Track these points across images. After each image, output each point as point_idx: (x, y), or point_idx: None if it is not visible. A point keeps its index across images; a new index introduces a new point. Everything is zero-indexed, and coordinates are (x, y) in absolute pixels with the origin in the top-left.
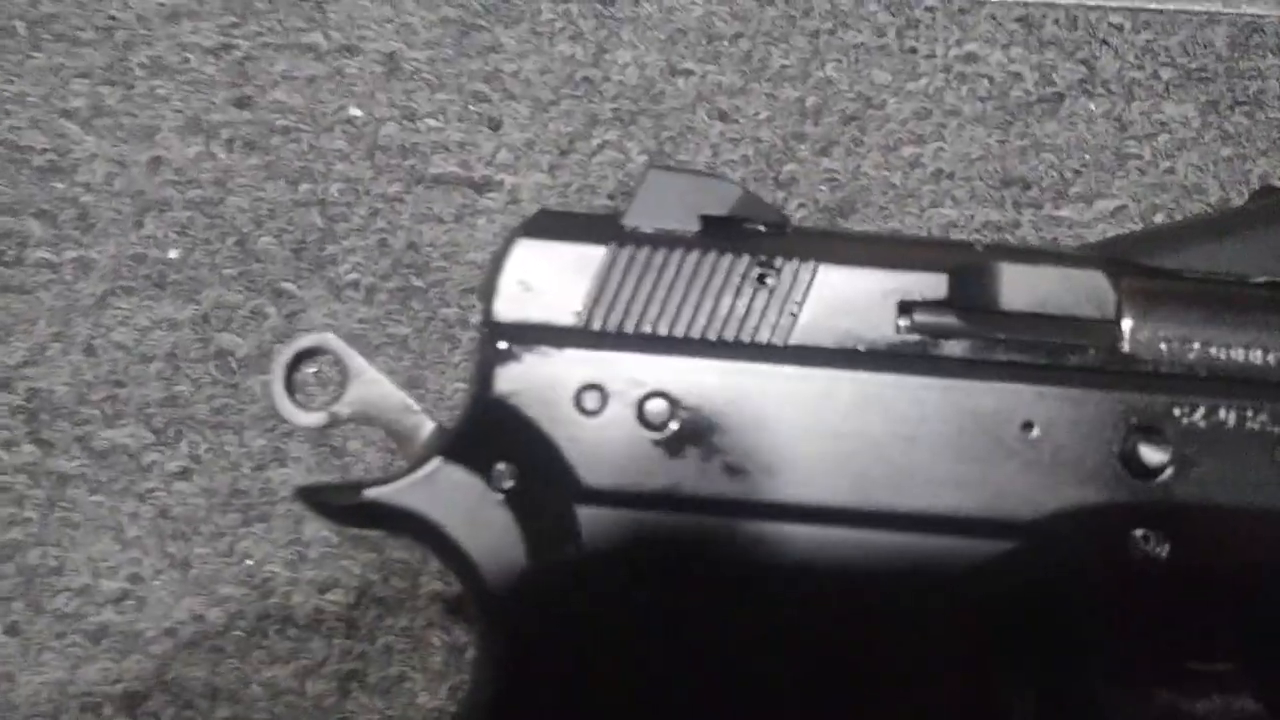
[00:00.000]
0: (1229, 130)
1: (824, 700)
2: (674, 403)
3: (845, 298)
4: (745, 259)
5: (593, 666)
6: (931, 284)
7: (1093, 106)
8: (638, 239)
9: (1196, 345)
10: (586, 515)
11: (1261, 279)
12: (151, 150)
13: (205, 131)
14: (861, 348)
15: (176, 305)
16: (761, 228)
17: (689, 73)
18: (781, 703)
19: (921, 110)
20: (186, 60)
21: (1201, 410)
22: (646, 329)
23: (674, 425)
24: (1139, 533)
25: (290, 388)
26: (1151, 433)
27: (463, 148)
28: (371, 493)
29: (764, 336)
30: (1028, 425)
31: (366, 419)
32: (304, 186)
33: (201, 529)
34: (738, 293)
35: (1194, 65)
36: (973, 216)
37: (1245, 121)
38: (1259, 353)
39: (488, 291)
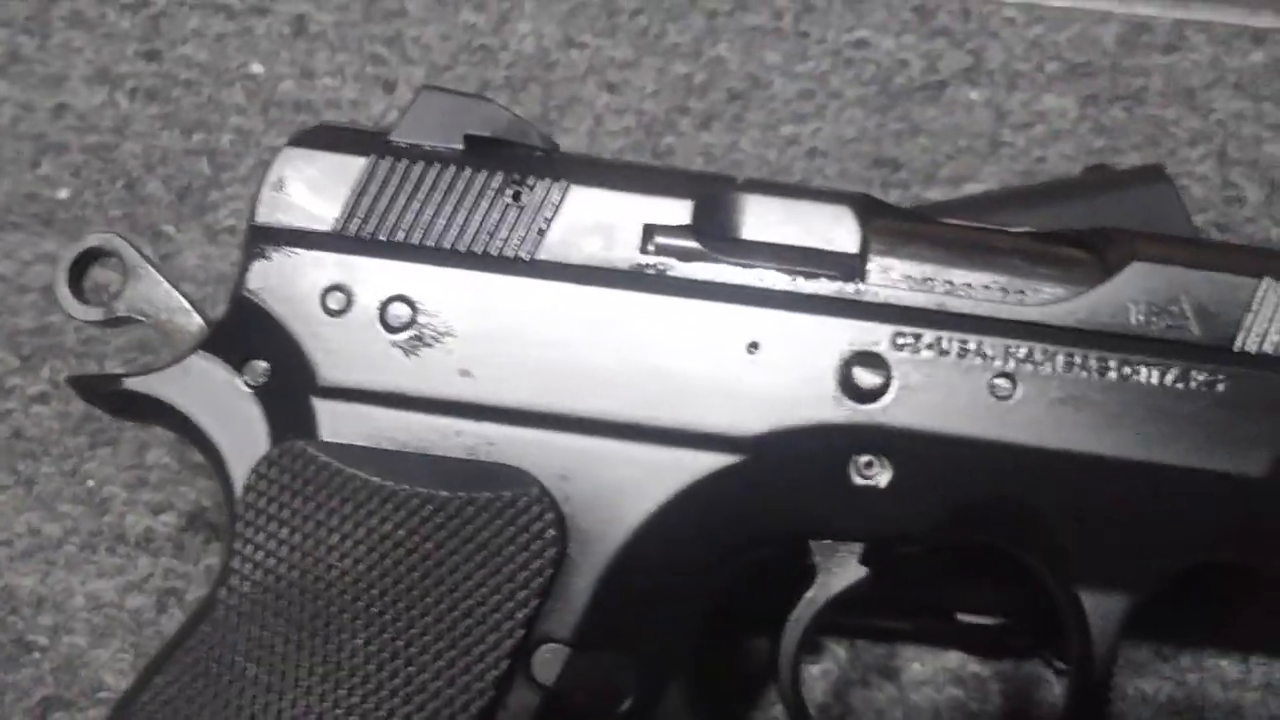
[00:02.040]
0: (1105, 124)
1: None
2: (415, 307)
3: (594, 218)
4: (500, 176)
5: (329, 557)
6: (677, 210)
7: (974, 95)
8: (399, 153)
9: (936, 282)
10: (325, 410)
11: (1023, 229)
12: (58, 97)
13: (111, 81)
14: (605, 266)
15: (60, 242)
16: (527, 149)
17: (584, 45)
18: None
19: (805, 91)
20: (104, 15)
21: (925, 341)
22: (398, 237)
23: (413, 329)
24: (861, 457)
25: (79, 284)
26: (870, 359)
27: (355, 106)
28: (129, 382)
29: (512, 250)
30: (754, 345)
31: (143, 315)
32: (197, 136)
33: (51, 450)
34: (490, 207)
35: (1080, 60)
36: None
37: (1122, 116)
38: (997, 293)
39: (253, 196)
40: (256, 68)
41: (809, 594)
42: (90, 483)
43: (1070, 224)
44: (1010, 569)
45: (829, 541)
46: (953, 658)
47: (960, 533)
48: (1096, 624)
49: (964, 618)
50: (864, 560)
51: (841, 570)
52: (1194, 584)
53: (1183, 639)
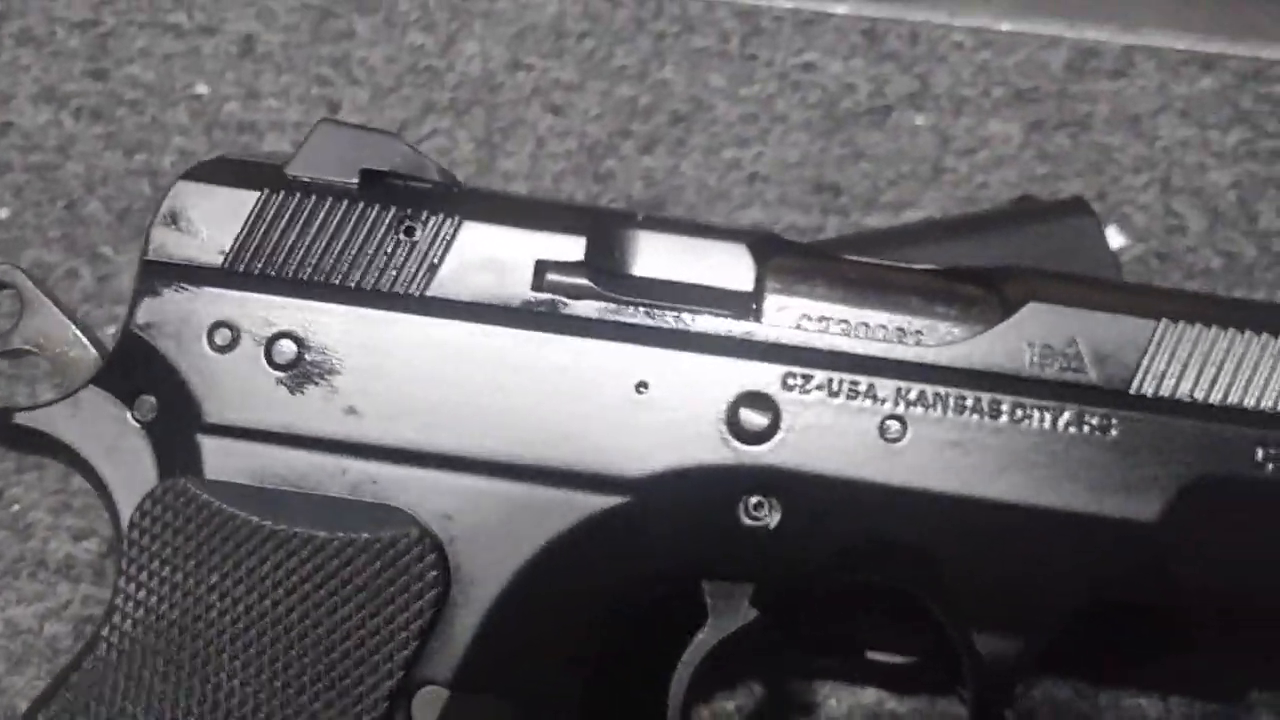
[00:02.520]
0: (1049, 150)
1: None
2: (302, 344)
3: (486, 254)
4: (393, 211)
5: (209, 597)
6: (570, 246)
7: (919, 120)
8: (293, 187)
9: (832, 321)
10: (210, 447)
11: (927, 266)
12: (4, 115)
13: (58, 100)
14: (496, 303)
15: None
16: (425, 185)
17: (530, 67)
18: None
19: (749, 115)
20: (54, 33)
21: (815, 382)
22: (288, 273)
23: (299, 366)
24: (751, 498)
25: None
26: (759, 400)
27: (298, 128)
28: (19, 417)
29: (403, 287)
30: (643, 385)
31: (38, 348)
32: (139, 157)
33: None
34: (382, 243)
35: (1026, 85)
36: (779, 219)
37: (1067, 143)
38: (894, 333)
39: (146, 231)
40: (202, 88)
41: (700, 636)
42: (15, 507)
43: (993, 257)
44: (918, 608)
45: (721, 583)
46: (870, 695)
47: (852, 574)
48: (990, 666)
49: (875, 656)
50: (756, 601)
51: (733, 612)
52: (1115, 622)
53: (1103, 678)
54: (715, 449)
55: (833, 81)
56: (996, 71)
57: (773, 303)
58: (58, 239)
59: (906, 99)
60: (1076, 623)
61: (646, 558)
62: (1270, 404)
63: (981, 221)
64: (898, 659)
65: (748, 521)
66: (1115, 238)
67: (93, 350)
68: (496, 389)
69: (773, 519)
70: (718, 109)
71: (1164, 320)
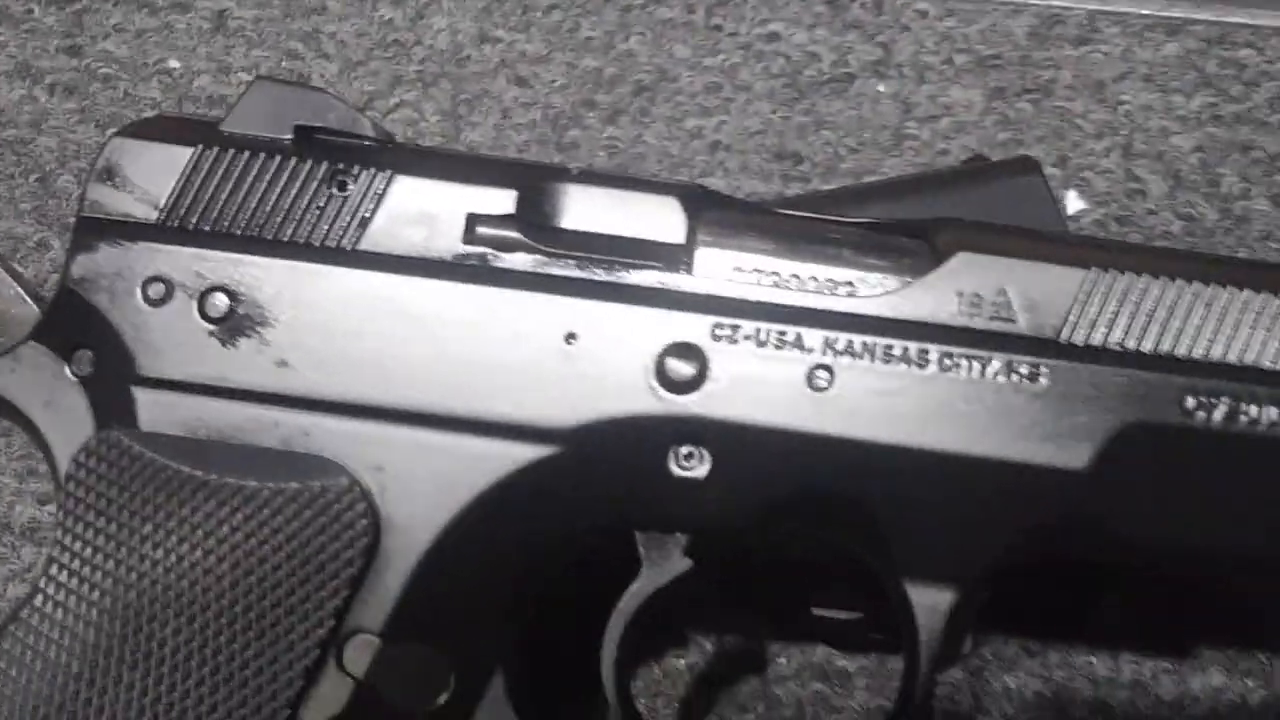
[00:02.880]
0: (1010, 116)
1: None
2: (235, 297)
3: (417, 208)
4: (324, 166)
5: (143, 548)
6: (501, 199)
7: (881, 88)
8: (227, 143)
9: (764, 274)
10: (144, 400)
11: (862, 220)
12: None
13: (32, 76)
14: (427, 256)
15: None
16: (358, 140)
17: (497, 40)
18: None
19: (713, 85)
20: (30, 10)
21: (744, 332)
22: (221, 227)
23: (232, 319)
24: (681, 449)
25: None
26: (687, 350)
27: None
28: None
29: (335, 240)
30: (571, 336)
31: None
32: (112, 132)
33: None
34: (314, 197)
35: (989, 52)
36: (739, 187)
37: (1029, 109)
38: (825, 285)
39: (83, 187)
40: (174, 63)
41: (633, 587)
42: None
43: (940, 215)
44: (859, 563)
45: (654, 534)
46: (819, 652)
47: (784, 525)
48: (923, 617)
49: (820, 611)
50: (690, 552)
51: (666, 562)
52: (1064, 580)
53: (1052, 635)
54: (644, 399)
55: (796, 51)
56: (960, 39)
57: (704, 255)
58: (29, 211)
59: (869, 67)
60: (1010, 574)
61: (578, 508)
62: (1201, 352)
63: (929, 181)
64: (842, 614)
65: (678, 472)
66: (1074, 202)
67: (34, 306)
68: (427, 341)
69: (702, 469)
70: (682, 79)
71: (1094, 269)
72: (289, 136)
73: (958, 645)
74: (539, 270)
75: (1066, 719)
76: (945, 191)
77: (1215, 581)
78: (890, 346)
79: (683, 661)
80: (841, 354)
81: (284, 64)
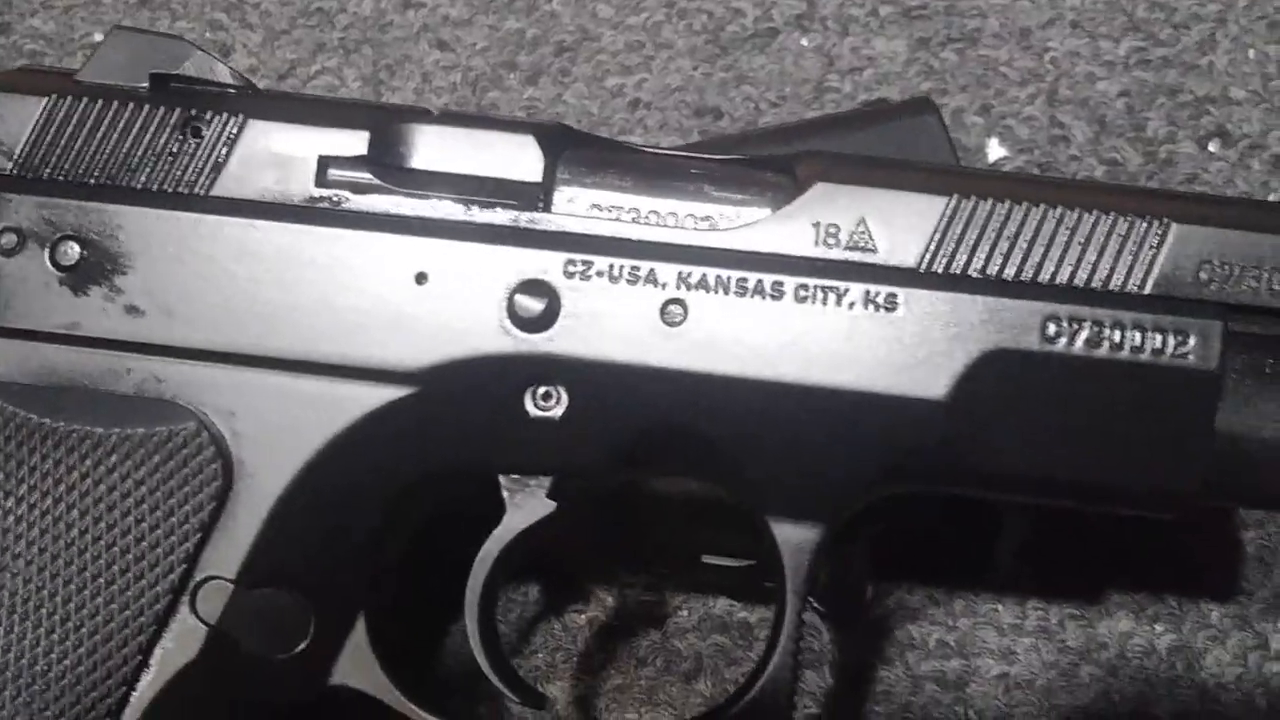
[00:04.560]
0: (934, 66)
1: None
2: (86, 246)
3: (269, 152)
4: (178, 112)
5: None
6: (353, 142)
7: (805, 42)
8: (81, 92)
9: (623, 210)
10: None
11: (726, 156)
12: None
13: None
14: (279, 200)
15: None
16: (214, 87)
17: (421, 5)
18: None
19: (635, 43)
20: None
21: (596, 268)
22: (74, 175)
23: (83, 267)
24: (538, 389)
25: None
26: (538, 287)
27: None
28: None
29: (188, 187)
30: (422, 276)
31: None
32: None
33: None
34: (167, 144)
35: (915, 3)
36: (658, 144)
37: (954, 58)
38: (685, 219)
39: None
40: (99, 36)
41: (496, 531)
42: None
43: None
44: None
45: (517, 477)
46: (720, 605)
47: (647, 463)
48: (789, 554)
49: (710, 560)
50: (553, 494)
51: (529, 505)
52: (961, 527)
53: (957, 584)
54: (496, 338)
55: (719, 7)
56: None
57: (563, 194)
58: None
59: (793, 21)
60: (878, 513)
61: (436, 451)
62: (1064, 278)
63: (827, 123)
64: (732, 563)
65: (535, 412)
66: (995, 149)
67: None
68: (278, 285)
69: (559, 409)
70: (604, 39)
71: (955, 196)
72: (145, 85)
73: (859, 594)
74: (390, 211)
75: (969, 667)
76: (842, 132)
77: (1084, 511)
78: (744, 279)
79: (583, 616)
80: (695, 288)
81: (208, 35)
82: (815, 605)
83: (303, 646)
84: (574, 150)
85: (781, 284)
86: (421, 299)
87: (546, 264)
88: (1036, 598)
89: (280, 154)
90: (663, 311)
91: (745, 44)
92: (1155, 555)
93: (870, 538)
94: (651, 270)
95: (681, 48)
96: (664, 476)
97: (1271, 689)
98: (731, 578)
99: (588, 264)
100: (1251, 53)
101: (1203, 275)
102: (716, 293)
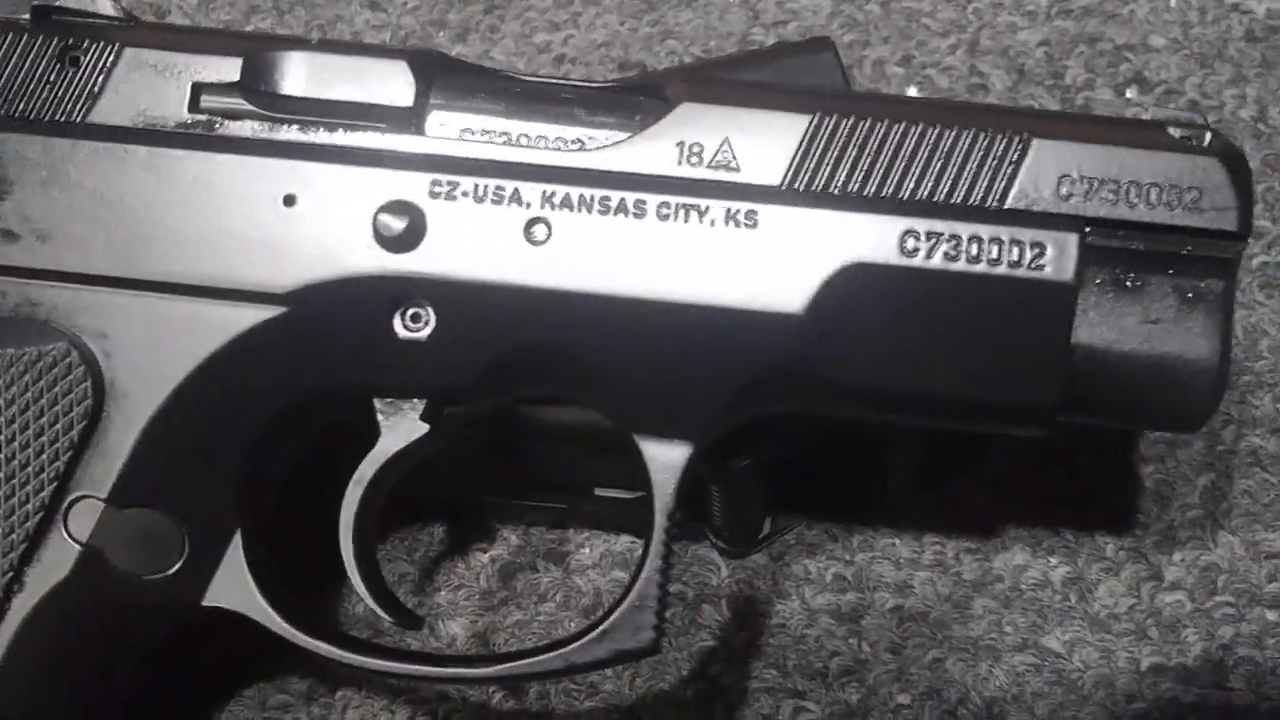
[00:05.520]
0: (858, 19)
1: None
2: None
3: (144, 79)
4: (56, 42)
5: None
6: (225, 68)
7: None
8: None
9: (493, 134)
10: None
11: (603, 83)
12: None
13: None
14: (153, 126)
15: None
16: (94, 18)
17: None
18: None
19: (563, 1)
20: None
21: (461, 189)
22: None
23: None
24: (407, 310)
25: None
26: (404, 208)
27: None
28: None
29: (64, 114)
30: (290, 199)
31: None
32: None
33: None
34: (45, 73)
35: None
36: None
37: (877, 10)
38: (553, 142)
39: None
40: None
41: (371, 452)
42: None
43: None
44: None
45: (391, 399)
46: (622, 542)
47: (517, 385)
48: (657, 472)
49: (603, 493)
50: (426, 416)
51: (402, 427)
52: (863, 464)
53: (855, 519)
54: (362, 258)
55: None
56: None
57: (435, 119)
58: None
59: None
60: (766, 443)
61: (308, 373)
62: (923, 194)
63: (729, 62)
64: (625, 495)
65: (404, 333)
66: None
67: None
68: (150, 209)
69: (427, 329)
70: None
71: (818, 115)
72: (26, 16)
73: (756, 530)
74: (261, 136)
75: (865, 600)
76: (741, 71)
77: (949, 428)
78: (607, 198)
79: (487, 555)
80: (559, 207)
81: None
82: (715, 541)
83: (176, 567)
84: (448, 77)
85: (644, 202)
86: (290, 220)
87: (413, 185)
88: (934, 533)
89: (154, 81)
90: (527, 230)
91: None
92: (1054, 491)
93: (767, 474)
94: (516, 190)
95: (609, 4)
96: (537, 400)
97: (1163, 619)
98: (627, 511)
99: (453, 184)
100: (1173, 1)
101: (1063, 190)
102: (580, 211)
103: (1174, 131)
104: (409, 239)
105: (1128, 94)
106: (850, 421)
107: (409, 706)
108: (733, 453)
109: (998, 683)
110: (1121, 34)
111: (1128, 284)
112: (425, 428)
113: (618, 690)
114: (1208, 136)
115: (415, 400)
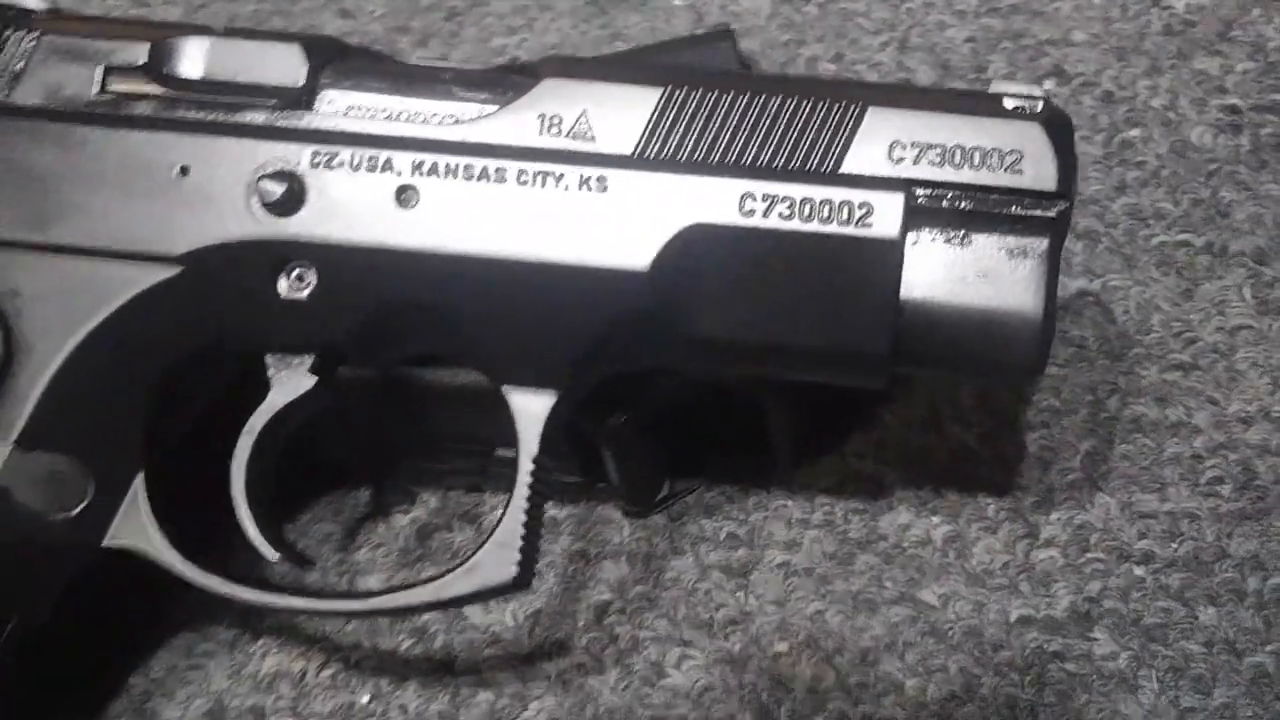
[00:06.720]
0: (794, 20)
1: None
2: None
3: (60, 64)
4: None
5: None
6: (134, 53)
7: (677, 1)
8: None
9: (376, 111)
10: None
11: (461, 65)
12: None
13: None
14: (67, 107)
15: None
16: (20, 8)
17: None
18: None
19: (521, 7)
20: None
21: (340, 158)
22: None
23: None
24: (291, 271)
25: None
26: (287, 176)
27: None
28: None
29: None
30: (185, 169)
31: None
32: None
33: None
34: None
35: None
36: None
37: (815, 12)
38: (430, 117)
39: None
40: (33, 2)
41: (261, 405)
42: None
43: None
44: None
45: (282, 355)
46: None
47: (396, 341)
48: (522, 421)
49: (503, 453)
50: (315, 371)
51: (291, 381)
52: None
53: (752, 482)
54: (246, 222)
55: None
56: None
57: (324, 97)
58: None
59: None
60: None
61: (203, 330)
62: (764, 159)
63: (637, 54)
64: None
65: (288, 292)
66: None
67: None
68: (61, 180)
69: (308, 289)
70: (493, 4)
71: (669, 87)
72: None
73: (655, 490)
74: (162, 114)
75: (755, 557)
76: (647, 60)
77: (797, 380)
78: (471, 166)
79: (407, 516)
80: (428, 175)
81: (131, 11)
82: (626, 506)
83: (80, 508)
84: (341, 61)
85: (504, 169)
86: (183, 189)
87: (297, 155)
88: (826, 495)
89: (69, 65)
90: (398, 195)
91: (622, 4)
92: (944, 456)
93: (652, 434)
94: (389, 159)
95: (563, 9)
96: (420, 360)
97: (1035, 574)
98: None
99: (333, 154)
100: None
101: (894, 154)
102: (446, 178)
103: (1009, 103)
104: (289, 204)
105: (1045, 85)
106: (712, 377)
107: (323, 654)
108: (610, 412)
109: (873, 633)
110: (1045, 30)
111: (956, 241)
112: (313, 380)
113: (517, 639)
114: (1039, 105)
115: (304, 356)
